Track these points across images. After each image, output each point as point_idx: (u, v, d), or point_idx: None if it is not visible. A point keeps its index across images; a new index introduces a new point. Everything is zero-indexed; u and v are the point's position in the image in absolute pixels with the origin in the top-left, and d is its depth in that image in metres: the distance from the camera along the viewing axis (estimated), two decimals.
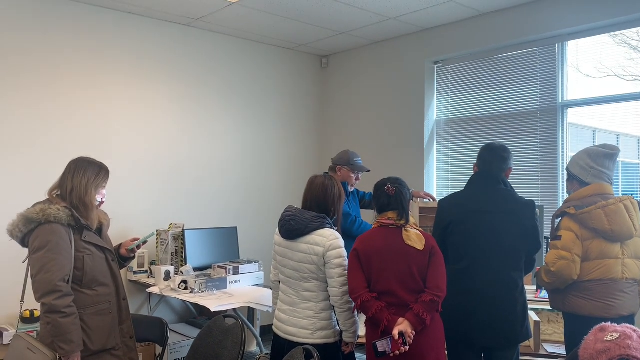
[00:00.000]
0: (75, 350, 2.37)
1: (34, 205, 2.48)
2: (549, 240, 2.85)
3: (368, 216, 4.16)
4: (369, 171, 3.94)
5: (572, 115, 4.25)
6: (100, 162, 2.60)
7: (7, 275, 3.99)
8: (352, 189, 3.93)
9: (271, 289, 2.99)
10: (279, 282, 2.85)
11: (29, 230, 2.43)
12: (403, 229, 2.54)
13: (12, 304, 3.99)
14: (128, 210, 4.59)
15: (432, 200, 4.04)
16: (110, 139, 4.53)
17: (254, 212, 5.46)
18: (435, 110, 5.07)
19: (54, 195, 2.55)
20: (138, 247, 2.79)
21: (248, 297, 3.92)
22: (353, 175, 3.84)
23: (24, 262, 2.55)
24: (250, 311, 4.63)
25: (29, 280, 2.46)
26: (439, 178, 5.03)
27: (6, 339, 3.71)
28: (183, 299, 3.85)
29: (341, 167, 3.83)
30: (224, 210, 5.24)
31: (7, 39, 4.04)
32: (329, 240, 2.62)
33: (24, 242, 2.48)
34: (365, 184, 4.84)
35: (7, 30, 4.04)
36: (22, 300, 2.65)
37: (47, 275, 2.34)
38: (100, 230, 2.63)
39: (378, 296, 2.49)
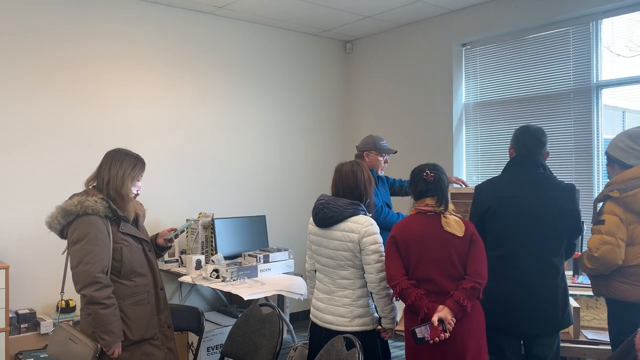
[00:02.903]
0: (116, 340, 2.39)
1: (71, 197, 2.49)
2: (592, 224, 2.78)
3: (397, 203, 4.12)
4: (395, 152, 3.87)
5: (605, 96, 4.14)
6: (137, 154, 2.60)
7: (43, 266, 4.05)
8: (382, 173, 3.87)
9: (306, 278, 2.97)
10: (315, 271, 2.84)
11: (68, 222, 2.44)
12: (442, 215, 2.49)
13: (48, 294, 4.06)
14: (158, 201, 4.62)
15: (463, 186, 3.98)
16: (139, 130, 4.54)
17: (282, 200, 5.45)
18: (464, 94, 4.98)
19: (91, 187, 2.56)
20: (176, 236, 2.80)
21: (279, 285, 3.93)
22: (381, 159, 3.78)
23: (63, 254, 2.58)
24: (280, 299, 4.64)
25: (68, 272, 2.48)
26: (468, 162, 4.96)
27: (44, 329, 3.77)
28: (215, 287, 3.87)
29: (368, 153, 3.77)
30: (252, 199, 5.24)
31: (33, 27, 4.06)
32: (363, 226, 2.59)
33: (62, 234, 2.50)
34: (394, 170, 4.80)
35: (36, 24, 4.05)
36: (62, 292, 2.68)
37: (87, 267, 2.35)
38: (136, 221, 2.64)
39: (417, 283, 2.46)
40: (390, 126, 5.46)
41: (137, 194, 2.62)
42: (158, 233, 2.83)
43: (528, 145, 2.75)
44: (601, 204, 2.76)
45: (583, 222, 3.00)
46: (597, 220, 2.70)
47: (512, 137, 2.85)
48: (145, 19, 4.57)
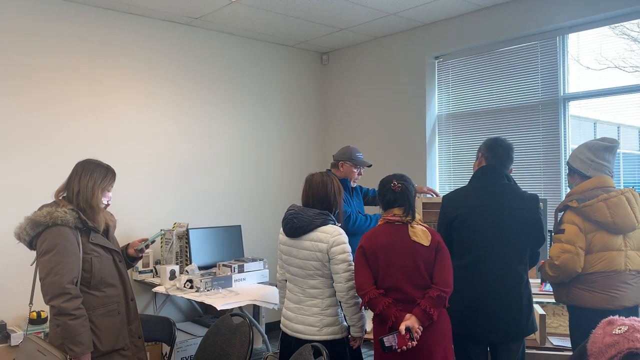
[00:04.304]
0: (85, 351, 2.38)
1: (40, 208, 2.48)
2: (553, 233, 2.87)
3: (371, 212, 4.17)
4: (370, 166, 3.95)
5: (573, 108, 4.26)
6: (107, 164, 2.61)
7: (14, 277, 4.01)
8: (355, 184, 3.94)
9: (278, 287, 3.00)
10: (286, 280, 2.87)
11: (37, 233, 2.44)
12: (409, 225, 2.55)
13: (19, 306, 4.01)
14: (132, 211, 4.60)
15: (435, 196, 4.05)
16: (113, 139, 4.54)
17: (257, 210, 5.47)
18: (437, 105, 5.08)
19: (61, 198, 2.56)
20: (146, 246, 2.80)
21: (253, 295, 3.94)
22: (355, 170, 3.86)
23: (32, 265, 2.57)
24: (256, 308, 4.65)
25: (37, 283, 2.47)
26: (441, 173, 5.05)
27: (14, 341, 3.73)
28: (189, 297, 3.87)
29: (343, 163, 3.84)
30: (227, 209, 5.25)
31: (11, 41, 4.04)
32: (332, 236, 2.63)
33: (31, 245, 2.49)
34: (368, 180, 4.85)
35: (12, 33, 4.05)
36: (30, 303, 2.66)
37: (56, 278, 2.35)
38: (107, 232, 2.64)
39: (385, 292, 2.51)
40: (365, 136, 5.54)
41: (107, 205, 2.63)
42: (129, 243, 2.83)
43: (500, 158, 2.83)
44: (562, 213, 2.84)
45: (550, 231, 3.09)
46: (558, 229, 2.78)
47: (483, 145, 2.91)
48: (120, 30, 4.58)
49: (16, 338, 3.74)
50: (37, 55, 4.17)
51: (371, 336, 2.89)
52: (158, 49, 4.80)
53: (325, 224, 2.67)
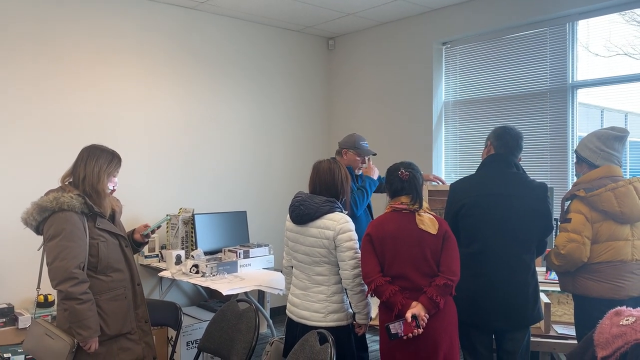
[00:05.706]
0: (92, 335, 2.41)
1: (47, 193, 2.49)
2: (559, 222, 2.85)
3: (375, 200, 4.17)
4: (374, 154, 3.92)
5: (581, 95, 4.22)
6: (113, 150, 2.61)
7: (21, 261, 4.04)
8: (359, 172, 3.92)
9: (284, 274, 3.01)
10: (292, 267, 2.88)
11: (43, 219, 2.45)
12: (416, 213, 2.54)
13: (26, 289, 4.04)
14: (138, 196, 4.61)
15: (441, 183, 4.04)
16: (119, 124, 4.53)
17: (263, 196, 5.47)
18: (444, 92, 5.04)
19: (67, 183, 2.57)
20: (152, 232, 2.81)
21: (259, 280, 3.96)
22: (359, 159, 3.82)
23: (39, 250, 2.58)
24: (260, 294, 4.68)
25: (45, 268, 2.49)
26: (447, 160, 5.03)
27: (21, 324, 3.76)
28: (195, 282, 3.89)
29: (347, 151, 3.81)
30: (233, 195, 5.25)
31: (12, 22, 4.02)
32: (339, 224, 2.63)
33: (38, 230, 2.51)
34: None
35: (13, 14, 4.02)
36: (38, 287, 2.68)
37: (63, 262, 2.36)
38: (113, 217, 2.65)
39: (392, 280, 2.51)
40: (371, 123, 5.51)
41: (113, 190, 2.63)
42: (134, 229, 2.84)
43: (509, 146, 2.81)
44: (568, 202, 2.83)
45: (557, 219, 3.08)
46: (564, 218, 2.77)
47: (492, 134, 2.89)
48: (125, 13, 4.55)
49: (23, 321, 3.77)
50: (41, 39, 4.15)
51: (376, 322, 2.90)
52: (163, 33, 4.77)
53: (332, 211, 2.67)
